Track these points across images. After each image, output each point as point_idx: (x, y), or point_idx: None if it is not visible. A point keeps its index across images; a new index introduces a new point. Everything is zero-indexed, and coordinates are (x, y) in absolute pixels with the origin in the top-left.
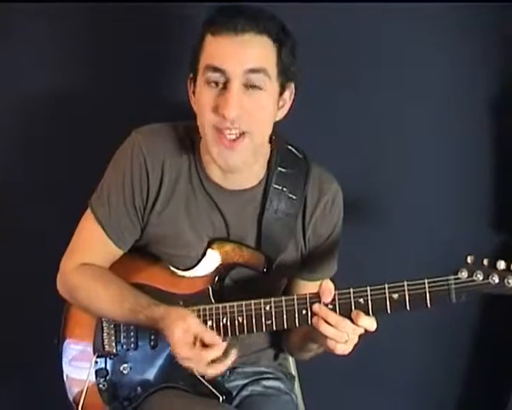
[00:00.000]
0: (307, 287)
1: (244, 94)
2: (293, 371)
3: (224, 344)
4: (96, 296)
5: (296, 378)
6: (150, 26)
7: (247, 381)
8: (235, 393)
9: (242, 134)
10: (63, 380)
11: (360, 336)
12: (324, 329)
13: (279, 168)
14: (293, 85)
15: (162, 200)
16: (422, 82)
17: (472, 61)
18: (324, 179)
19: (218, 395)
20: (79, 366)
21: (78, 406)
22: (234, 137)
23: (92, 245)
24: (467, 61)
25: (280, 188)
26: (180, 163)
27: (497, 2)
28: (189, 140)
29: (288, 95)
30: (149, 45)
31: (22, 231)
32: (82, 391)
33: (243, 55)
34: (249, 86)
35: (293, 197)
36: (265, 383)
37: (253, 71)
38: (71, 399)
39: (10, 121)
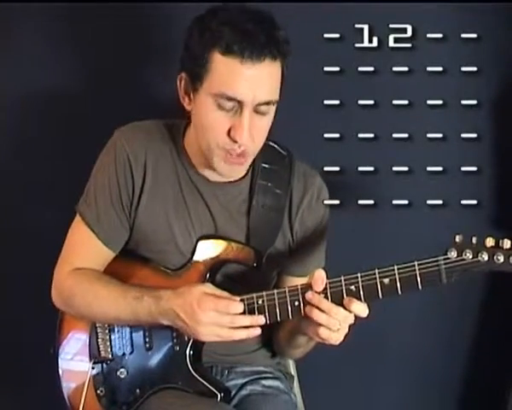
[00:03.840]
0: (297, 283)
1: (253, 119)
2: (293, 371)
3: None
4: (95, 297)
5: (295, 378)
6: (149, 26)
7: (245, 380)
8: (234, 392)
9: (245, 153)
10: (61, 387)
11: (350, 327)
12: (317, 316)
13: (263, 164)
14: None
15: (147, 194)
16: (422, 82)
17: (473, 62)
18: (308, 174)
19: (216, 392)
20: (76, 373)
21: None
22: (239, 153)
23: (83, 249)
24: (468, 62)
25: (265, 183)
26: (162, 158)
27: (498, 3)
28: (169, 134)
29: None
30: (148, 45)
31: (21, 231)
32: (80, 397)
33: (258, 87)
34: (258, 111)
35: (279, 192)
36: (264, 382)
37: (265, 103)
38: (69, 406)
39: (8, 121)
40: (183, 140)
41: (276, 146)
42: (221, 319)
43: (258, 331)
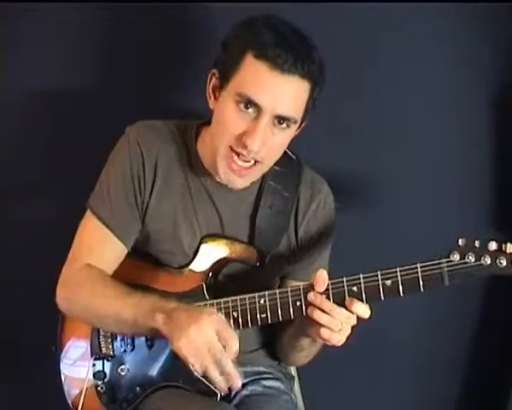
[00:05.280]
0: None
1: (269, 130)
2: (293, 372)
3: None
4: (104, 287)
5: (296, 378)
6: (152, 27)
7: (246, 380)
8: (234, 392)
9: (254, 163)
10: (62, 383)
11: (353, 328)
12: (319, 317)
13: (274, 167)
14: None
15: (156, 193)
16: (423, 82)
17: (473, 62)
18: (316, 181)
19: (216, 391)
20: (77, 370)
21: (76, 409)
22: (247, 165)
23: (96, 245)
24: (468, 62)
25: (274, 185)
26: (173, 157)
27: (498, 3)
28: (181, 135)
29: (303, 125)
30: (151, 46)
31: (23, 230)
32: (80, 394)
33: (281, 98)
34: (276, 125)
35: (287, 195)
36: (265, 382)
37: (284, 118)
38: (69, 402)
39: (10, 120)
40: (195, 142)
41: (286, 150)
42: (214, 341)
43: (224, 390)
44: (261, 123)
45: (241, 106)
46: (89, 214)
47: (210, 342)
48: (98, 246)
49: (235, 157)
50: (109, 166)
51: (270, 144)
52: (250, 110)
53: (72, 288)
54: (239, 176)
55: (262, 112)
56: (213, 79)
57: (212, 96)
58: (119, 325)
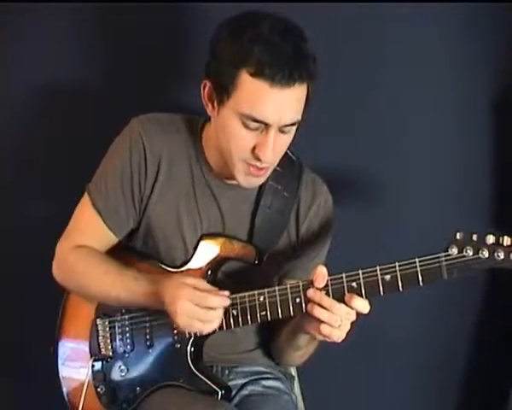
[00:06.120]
0: None
1: (277, 137)
2: (293, 372)
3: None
4: (95, 274)
5: (296, 378)
6: (152, 27)
7: (246, 380)
8: (234, 392)
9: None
10: (60, 385)
11: (352, 324)
12: (319, 313)
13: (275, 167)
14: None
15: (159, 189)
16: (423, 82)
17: (473, 62)
18: (317, 182)
19: (216, 389)
20: (76, 371)
21: None
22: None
23: (88, 230)
24: (468, 62)
25: (275, 185)
26: (178, 152)
27: (499, 3)
28: (187, 130)
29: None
30: (151, 46)
31: (21, 229)
32: (80, 395)
33: (285, 110)
34: (282, 131)
35: (287, 195)
36: (265, 382)
37: (290, 124)
38: (69, 404)
39: (10, 120)
40: (200, 138)
41: (287, 151)
42: (195, 311)
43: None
44: (270, 136)
45: (247, 123)
46: (86, 198)
47: (190, 314)
48: (90, 231)
49: (251, 166)
50: (109, 156)
51: (278, 149)
52: (256, 125)
53: (66, 268)
54: (258, 176)
55: (269, 127)
56: (207, 89)
57: (210, 105)
58: (117, 303)
